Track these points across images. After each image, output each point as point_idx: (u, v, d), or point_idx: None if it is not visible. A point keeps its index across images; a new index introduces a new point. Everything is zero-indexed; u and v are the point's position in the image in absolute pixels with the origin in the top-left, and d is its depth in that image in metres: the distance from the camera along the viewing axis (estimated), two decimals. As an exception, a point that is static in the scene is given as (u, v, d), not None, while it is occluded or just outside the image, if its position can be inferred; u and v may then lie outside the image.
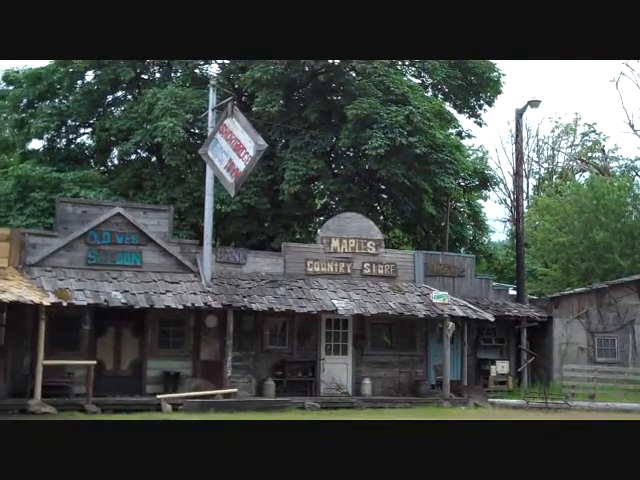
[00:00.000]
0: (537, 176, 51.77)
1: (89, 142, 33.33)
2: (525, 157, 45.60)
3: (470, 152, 42.06)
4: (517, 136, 32.38)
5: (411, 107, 27.90)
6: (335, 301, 23.67)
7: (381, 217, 33.58)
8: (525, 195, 40.11)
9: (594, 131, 50.08)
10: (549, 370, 28.57)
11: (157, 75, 33.10)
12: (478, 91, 33.01)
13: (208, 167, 22.73)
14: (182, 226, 28.37)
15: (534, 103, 30.79)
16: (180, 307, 21.42)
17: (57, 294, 20.04)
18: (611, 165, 48.29)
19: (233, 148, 20.92)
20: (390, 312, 24.03)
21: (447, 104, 33.17)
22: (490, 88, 32.76)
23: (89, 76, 31.74)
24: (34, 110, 31.37)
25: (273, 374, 23.63)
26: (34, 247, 21.59)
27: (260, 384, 23.23)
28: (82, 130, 33.15)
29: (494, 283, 30.61)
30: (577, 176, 48.72)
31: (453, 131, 33.18)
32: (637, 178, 42.87)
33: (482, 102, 33.50)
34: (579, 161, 49.58)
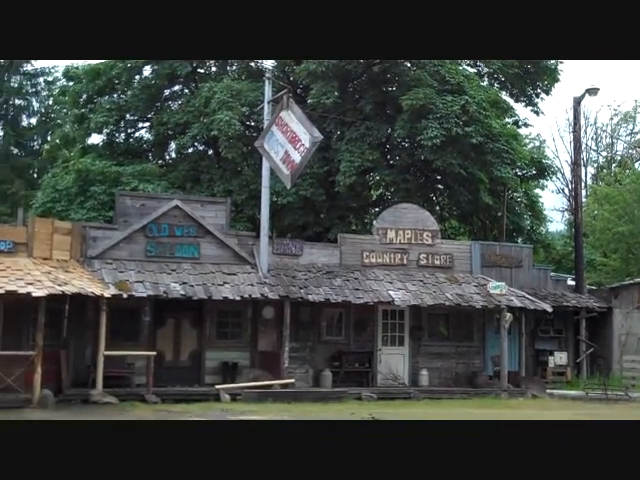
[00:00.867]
0: (595, 165, 50.93)
1: (147, 136, 33.85)
2: (583, 146, 44.86)
3: (527, 141, 41.57)
4: (575, 124, 31.97)
5: (467, 97, 27.74)
6: (391, 292, 23.67)
7: (437, 208, 33.43)
8: (583, 184, 39.60)
9: (654, 118, 49.13)
10: (609, 361, 28.11)
11: (213, 69, 33.42)
12: (535, 79, 32.61)
13: (264, 159, 22.87)
14: (239, 218, 28.57)
15: (592, 91, 30.29)
16: (237, 298, 21.63)
17: (117, 286, 20.39)
18: (672, 153, 47.36)
19: (289, 140, 21.01)
20: (447, 303, 23.96)
21: (503, 93, 32.86)
22: (547, 76, 32.34)
23: (147, 71, 32.24)
24: (93, 105, 31.98)
25: (330, 365, 23.72)
26: (95, 240, 21.98)
27: (317, 375, 23.35)
28: (140, 124, 33.67)
29: (552, 273, 30.24)
30: (637, 164, 47.88)
31: (510, 120, 32.85)
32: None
33: (539, 90, 33.08)
34: (639, 149, 48.69)
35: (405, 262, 25.43)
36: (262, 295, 21.96)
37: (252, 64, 32.78)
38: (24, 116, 44.58)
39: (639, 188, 35.53)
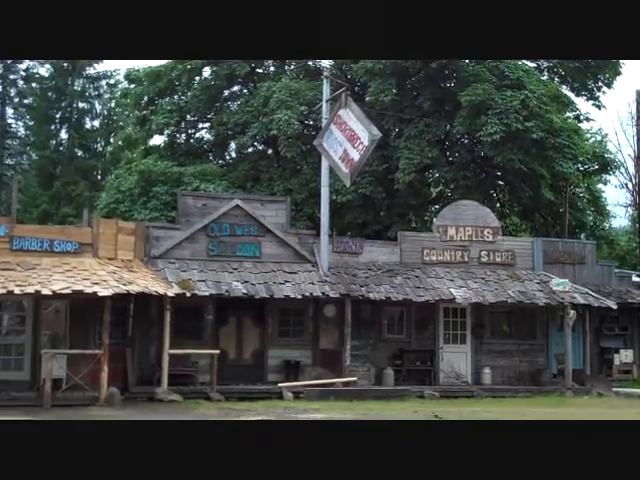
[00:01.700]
0: (660, 158, 49.92)
1: (207, 136, 34.24)
2: (647, 139, 43.98)
3: (589, 136, 40.87)
4: (638, 117, 31.43)
5: (527, 91, 27.46)
6: (453, 290, 23.54)
7: (497, 204, 33.16)
8: (648, 178, 38.74)
9: None
10: (676, 359, 27.62)
11: (271, 69, 33.59)
12: (596, 73, 32.14)
13: (323, 158, 22.94)
14: (299, 217, 28.69)
15: (656, 83, 29.75)
16: (299, 297, 21.73)
17: (180, 285, 20.66)
18: None
19: (347, 138, 21.05)
20: (509, 300, 23.73)
21: (564, 87, 32.46)
22: (609, 69, 31.84)
23: (206, 72, 32.63)
24: (155, 107, 32.42)
25: (392, 363, 23.68)
26: (157, 240, 22.28)
27: (379, 373, 23.33)
28: (200, 125, 34.09)
29: (616, 270, 29.74)
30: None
31: (571, 115, 32.42)
32: None
33: (600, 84, 32.61)
34: None
35: (466, 259, 25.25)
36: (323, 293, 22.02)
37: (310, 63, 32.89)
38: (87, 119, 45.45)
39: None
